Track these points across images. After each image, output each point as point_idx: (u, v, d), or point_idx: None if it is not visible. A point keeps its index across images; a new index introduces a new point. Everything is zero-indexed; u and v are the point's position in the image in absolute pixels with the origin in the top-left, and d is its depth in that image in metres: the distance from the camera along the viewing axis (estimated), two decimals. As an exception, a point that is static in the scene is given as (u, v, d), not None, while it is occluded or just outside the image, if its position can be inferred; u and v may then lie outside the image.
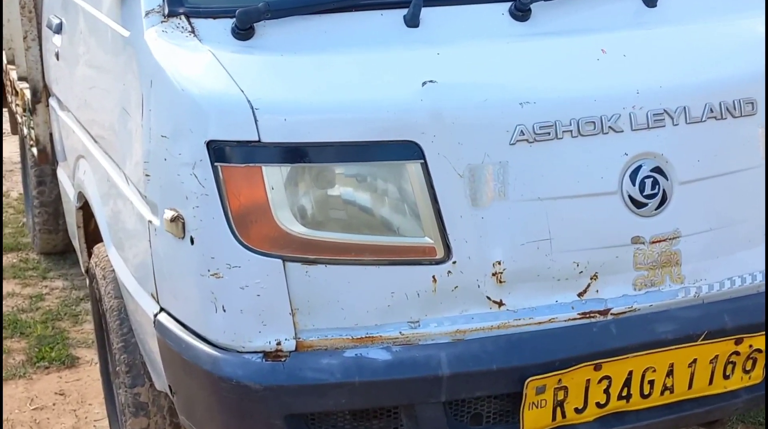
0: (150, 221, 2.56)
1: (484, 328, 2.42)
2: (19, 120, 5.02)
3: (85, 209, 3.68)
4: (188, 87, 2.36)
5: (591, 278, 2.48)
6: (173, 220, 2.38)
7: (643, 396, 2.53)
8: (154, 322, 2.60)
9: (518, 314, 2.44)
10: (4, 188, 7.91)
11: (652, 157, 2.48)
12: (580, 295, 2.49)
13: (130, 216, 2.75)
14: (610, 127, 2.44)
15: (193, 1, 2.54)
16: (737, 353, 2.57)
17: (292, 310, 2.34)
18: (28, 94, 4.40)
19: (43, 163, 4.34)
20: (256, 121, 2.28)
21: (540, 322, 2.45)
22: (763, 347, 2.58)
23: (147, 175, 2.53)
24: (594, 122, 2.42)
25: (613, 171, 2.45)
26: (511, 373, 2.39)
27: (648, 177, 2.47)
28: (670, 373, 2.52)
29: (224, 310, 2.35)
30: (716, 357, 2.55)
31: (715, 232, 2.57)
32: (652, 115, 2.47)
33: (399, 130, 2.34)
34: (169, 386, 2.61)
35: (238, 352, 2.36)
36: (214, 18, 2.51)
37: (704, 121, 2.52)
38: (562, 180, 2.43)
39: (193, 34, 2.49)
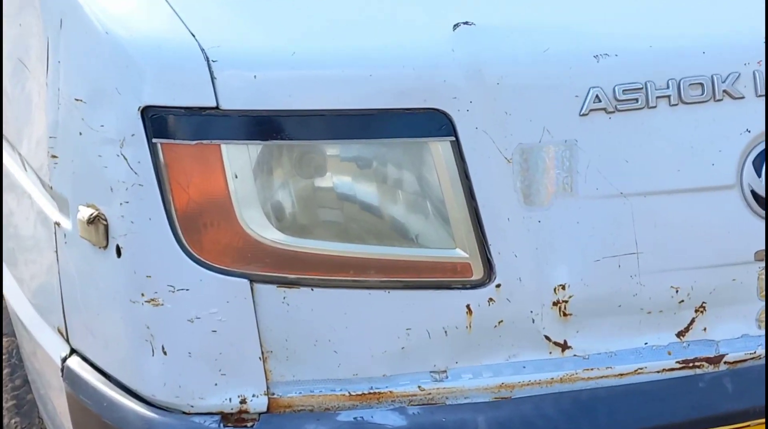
0: (57, 223, 2.53)
1: (541, 381, 2.40)
2: None
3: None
4: (114, 29, 2.32)
5: (696, 310, 2.47)
6: (92, 221, 2.34)
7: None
8: (62, 370, 2.56)
9: (590, 362, 2.42)
10: None
11: (784, 136, 2.44)
12: (680, 334, 2.47)
13: (28, 217, 2.73)
14: (725, 91, 2.41)
15: None
16: None
17: (263, 353, 2.31)
18: None
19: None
20: (213, 78, 2.24)
21: (622, 375, 2.43)
22: None
23: (54, 157, 2.49)
24: (702, 84, 2.39)
25: (729, 156, 2.43)
26: (573, 448, 2.35)
27: (780, 166, 2.43)
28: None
29: (164, 353, 2.31)
30: None
31: None
32: (787, 76, 2.43)
33: (420, 94, 2.30)
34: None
35: (184, 413, 2.34)
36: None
37: None
38: (656, 168, 2.41)
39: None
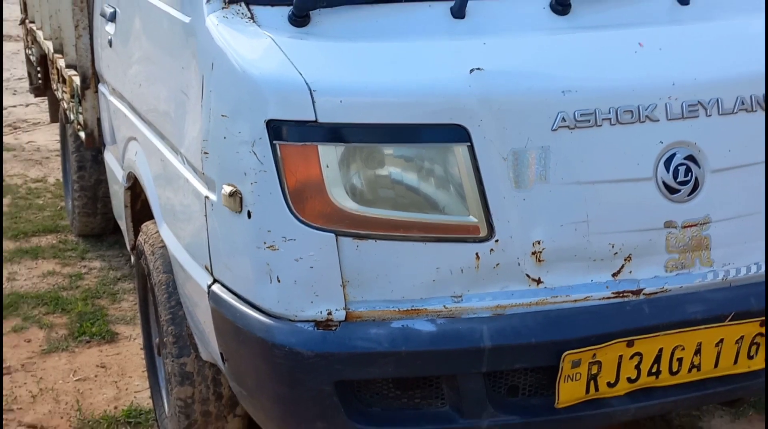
0: (207, 197, 2.59)
1: (523, 304, 2.45)
2: (65, 106, 5.07)
3: (133, 189, 3.72)
4: (249, 69, 2.40)
5: (625, 260, 2.51)
6: (231, 195, 2.42)
7: (672, 373, 2.56)
8: (208, 293, 2.62)
9: (555, 292, 2.47)
10: (41, 174, 7.99)
11: (685, 145, 2.51)
12: (614, 275, 2.52)
13: (185, 194, 2.78)
14: (646, 116, 2.47)
15: (252, -11, 2.57)
16: (762, 334, 2.60)
17: (342, 282, 2.37)
18: (76, 80, 4.44)
19: (90, 146, 4.40)
20: (313, 101, 2.31)
21: (576, 300, 2.48)
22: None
23: (205, 153, 2.56)
24: (632, 111, 2.46)
25: (648, 158, 2.48)
26: (549, 348, 2.42)
27: (681, 164, 2.50)
28: (697, 351, 2.55)
29: (278, 281, 2.38)
30: (742, 337, 2.58)
31: (743, 219, 2.60)
32: (686, 106, 2.50)
33: (448, 114, 2.37)
34: (221, 354, 2.63)
35: (290, 320, 2.39)
36: (272, 5, 2.55)
37: (736, 112, 2.55)
38: (601, 165, 2.46)
39: (252, 20, 2.52)
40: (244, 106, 2.39)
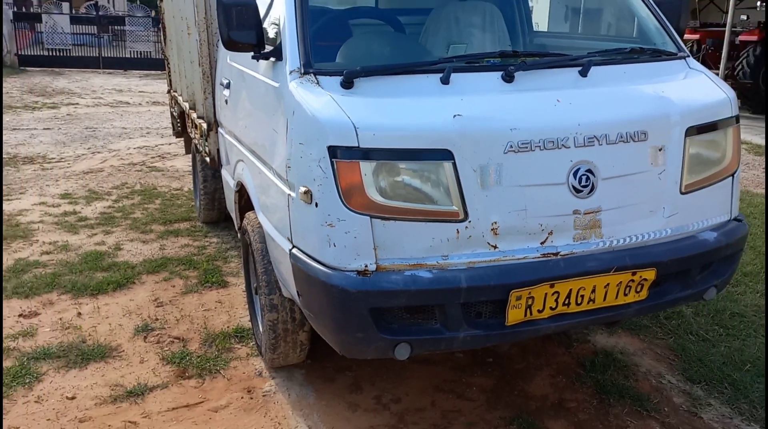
0: (289, 195, 2.58)
1: (486, 261, 2.44)
2: (196, 142, 5.06)
3: (240, 192, 3.71)
4: (317, 115, 2.39)
5: (549, 234, 2.50)
6: (306, 193, 2.40)
7: (577, 304, 2.55)
8: (290, 254, 2.61)
9: (505, 253, 2.46)
10: (180, 185, 7.96)
11: (586, 163, 2.50)
12: (542, 243, 2.51)
13: (275, 193, 2.77)
14: (562, 144, 2.46)
15: (317, 66, 2.56)
16: (632, 280, 2.59)
17: (374, 246, 2.36)
18: (204, 126, 4.44)
19: (213, 166, 4.38)
20: (357, 134, 2.31)
21: (518, 259, 2.46)
22: (649, 277, 2.59)
23: (289, 167, 2.56)
24: (553, 141, 2.45)
25: (563, 170, 2.48)
26: (502, 288, 2.41)
27: (583, 175, 2.49)
28: (593, 291, 2.54)
29: (334, 246, 2.37)
30: (620, 282, 2.57)
31: (622, 208, 2.59)
32: (586, 139, 2.49)
33: (440, 143, 2.37)
34: (297, 292, 2.62)
35: (341, 270, 2.38)
36: (330, 75, 2.54)
37: (617, 143, 2.53)
38: (533, 175, 2.45)
39: (318, 85, 2.51)
40: (314, 137, 2.38)
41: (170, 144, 10.98)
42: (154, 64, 21.51)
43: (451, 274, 2.37)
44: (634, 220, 2.59)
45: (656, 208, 2.59)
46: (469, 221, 2.39)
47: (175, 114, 6.87)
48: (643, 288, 2.59)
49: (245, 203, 3.76)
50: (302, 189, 2.43)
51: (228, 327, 4.02)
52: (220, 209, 5.88)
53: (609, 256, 2.53)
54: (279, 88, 2.67)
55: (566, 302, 2.51)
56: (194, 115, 5.00)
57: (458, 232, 2.39)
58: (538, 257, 2.47)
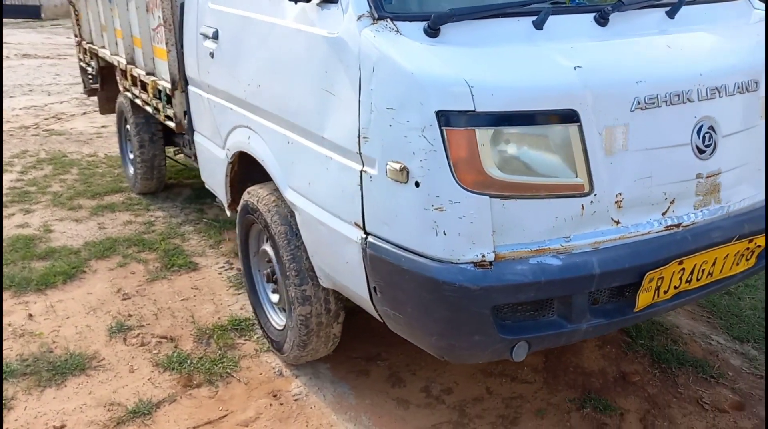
0: (363, 172, 2.09)
1: (611, 239, 2.08)
2: (140, 103, 4.33)
3: (234, 164, 3.13)
4: (416, 72, 1.89)
5: (670, 203, 2.18)
6: (401, 170, 1.92)
7: (697, 280, 2.25)
8: (364, 243, 2.13)
9: (629, 229, 2.12)
10: (92, 150, 7.10)
11: (708, 119, 2.18)
12: (663, 214, 2.17)
13: (331, 169, 2.27)
14: (687, 98, 2.11)
15: (393, 9, 2.04)
16: (747, 248, 2.32)
17: (493, 231, 1.94)
18: (163, 85, 3.75)
19: (180, 131, 3.73)
20: (472, 95, 1.85)
21: (642, 234, 2.12)
22: (761, 244, 2.32)
23: (365, 138, 2.05)
24: (678, 95, 2.10)
25: (687, 129, 2.15)
26: (636, 270, 2.08)
27: (707, 133, 2.17)
28: (713, 264, 2.25)
29: (444, 234, 1.93)
30: (738, 252, 2.30)
31: (738, 169, 2.30)
32: (709, 91, 2.16)
33: (565, 102, 1.96)
34: (373, 288, 2.17)
35: (453, 263, 1.95)
36: (410, 21, 2.03)
37: (734, 94, 2.23)
38: (660, 136, 2.10)
39: (398, 33, 2.01)
40: (413, 100, 1.90)
41: (62, 103, 9.88)
42: (9, 10, 19.45)
43: (581, 259, 1.99)
44: (746, 182, 2.33)
45: (762, 165, 2.32)
46: (595, 195, 2.00)
47: (89, 70, 5.97)
48: (753, 255, 2.33)
49: (235, 176, 3.19)
50: (393, 166, 1.93)
51: (219, 319, 3.47)
52: (159, 178, 5.25)
53: (729, 223, 2.25)
54: (337, 39, 2.12)
55: (689, 279, 2.21)
56: (138, 71, 4.24)
57: (583, 208, 2.01)
58: (662, 231, 2.14)
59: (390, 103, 1.93)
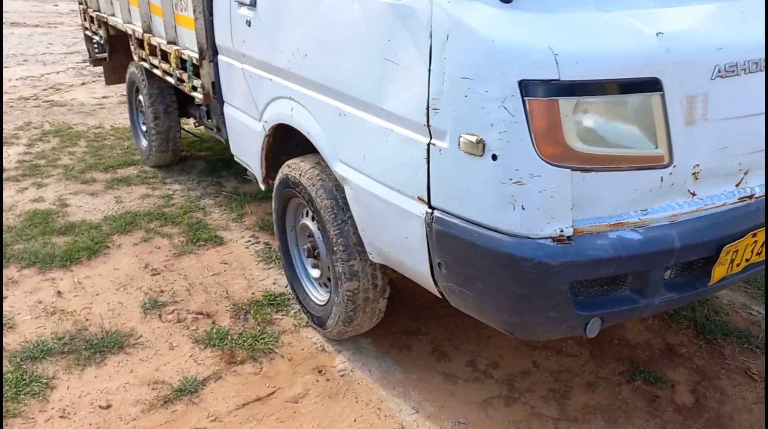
0: (432, 144, 2.00)
1: (687, 212, 2.02)
2: (161, 73, 4.19)
3: (272, 136, 3.04)
4: (497, 39, 1.80)
5: (744, 173, 2.11)
6: (477, 143, 1.83)
7: (766, 252, 2.17)
8: (429, 218, 2.06)
9: (705, 201, 2.06)
10: (97, 122, 6.95)
11: (783, 86, 2.07)
12: (736, 185, 2.11)
13: (391, 142, 2.18)
14: (764, 66, 2.03)
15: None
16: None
17: (572, 205, 1.87)
18: (189, 54, 3.62)
19: (207, 102, 3.61)
20: (557, 64, 1.76)
21: (717, 206, 2.06)
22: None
23: (435, 109, 1.96)
24: (756, 62, 2.02)
25: (761, 96, 2.05)
26: (714, 243, 2.03)
27: (780, 101, 2.07)
28: (781, 235, 2.18)
29: (522, 208, 1.85)
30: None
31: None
32: (783, 58, 2.05)
33: (649, 69, 1.87)
34: (438, 264, 2.10)
35: (530, 238, 1.88)
36: (484, -14, 1.92)
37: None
38: (737, 104, 2.02)
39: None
40: (493, 69, 1.81)
41: (58, 73, 9.67)
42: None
43: (661, 233, 1.93)
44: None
45: None
46: (674, 166, 1.94)
47: (96, 38, 5.80)
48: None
49: (270, 149, 3.10)
50: (468, 138, 1.85)
51: (254, 294, 3.40)
52: (174, 151, 5.14)
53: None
54: (403, 6, 2.03)
55: (758, 252, 2.15)
56: (158, 41, 4.10)
57: (662, 179, 1.94)
58: (736, 202, 2.09)
59: (466, 73, 1.84)
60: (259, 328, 3.10)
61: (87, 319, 3.19)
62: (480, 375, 2.81)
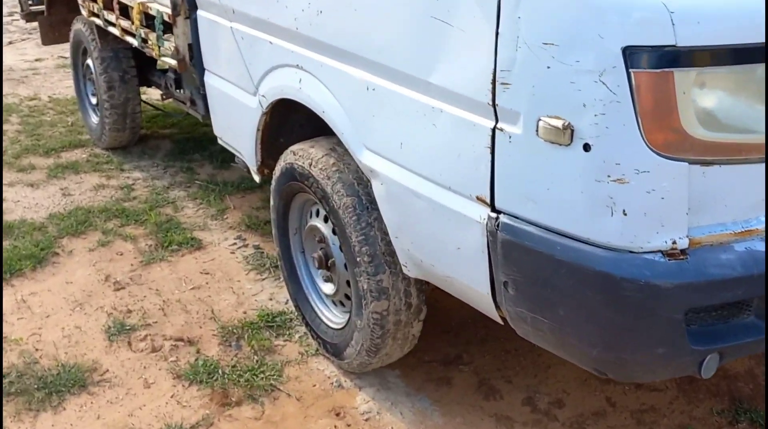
0: (500, 129, 1.88)
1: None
2: (128, 31, 4.04)
3: (270, 114, 2.94)
4: (595, -6, 1.66)
5: None
6: (563, 128, 1.71)
7: None
8: (495, 223, 1.95)
9: None
10: (31, 92, 6.82)
11: None
12: None
13: (432, 123, 2.07)
14: None
15: None
16: None
17: (688, 209, 1.75)
18: (159, 8, 3.48)
19: (183, 70, 3.47)
20: (673, 25, 1.64)
21: None
22: None
23: (504, 84, 1.83)
24: None
25: None
26: None
27: None
28: None
29: (624, 214, 1.74)
30: None
31: None
32: None
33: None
34: (505, 281, 1.98)
35: (632, 252, 1.76)
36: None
37: None
38: None
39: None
40: (588, 33, 1.67)
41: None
42: None
43: (790, 240, 1.81)
44: None
45: None
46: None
47: (30, -8, 5.65)
48: None
49: (266, 131, 3.01)
50: (551, 122, 1.74)
51: (246, 313, 3.31)
52: (133, 129, 5.07)
53: None
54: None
55: None
56: (116, -7, 3.96)
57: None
58: None
59: (549, 37, 1.72)
60: (256, 358, 3.01)
61: (37, 350, 3.07)
62: (541, 416, 2.72)
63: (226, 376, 2.90)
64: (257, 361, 2.99)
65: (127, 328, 3.20)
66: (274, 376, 2.91)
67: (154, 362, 3.00)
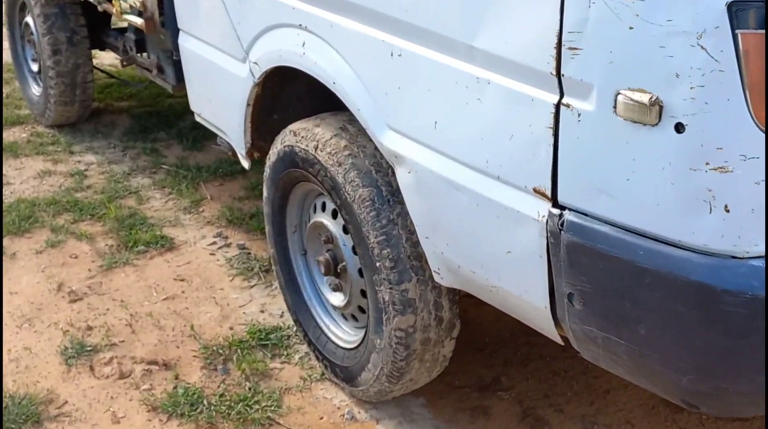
0: (566, 105, 1.86)
1: None
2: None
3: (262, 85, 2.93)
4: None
5: None
6: (650, 104, 1.68)
7: None
8: (558, 221, 1.93)
9: None
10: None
11: None
12: None
13: (476, 97, 2.04)
14: None
15: None
16: None
17: (799, 206, 1.71)
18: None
19: (151, 31, 3.43)
20: (791, -25, 1.59)
21: None
22: None
23: (572, 49, 1.81)
24: None
25: None
26: None
27: None
28: None
29: (726, 211, 1.71)
30: None
31: None
32: None
33: None
34: (570, 293, 1.96)
35: (737, 258, 1.73)
36: None
37: None
38: None
39: None
40: (681, -14, 1.62)
41: None
42: None
43: None
44: None
45: None
46: None
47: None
48: None
49: (256, 106, 3.01)
50: (634, 96, 1.72)
51: (233, 329, 3.30)
52: (84, 102, 5.12)
53: None
54: None
55: None
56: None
57: None
58: None
59: (633, -8, 1.68)
60: (248, 384, 3.00)
61: (-21, 377, 3.02)
62: (603, 454, 2.69)
63: (212, 407, 2.88)
64: (250, 389, 2.97)
65: (88, 348, 3.17)
66: (272, 407, 2.90)
67: (123, 391, 2.97)
